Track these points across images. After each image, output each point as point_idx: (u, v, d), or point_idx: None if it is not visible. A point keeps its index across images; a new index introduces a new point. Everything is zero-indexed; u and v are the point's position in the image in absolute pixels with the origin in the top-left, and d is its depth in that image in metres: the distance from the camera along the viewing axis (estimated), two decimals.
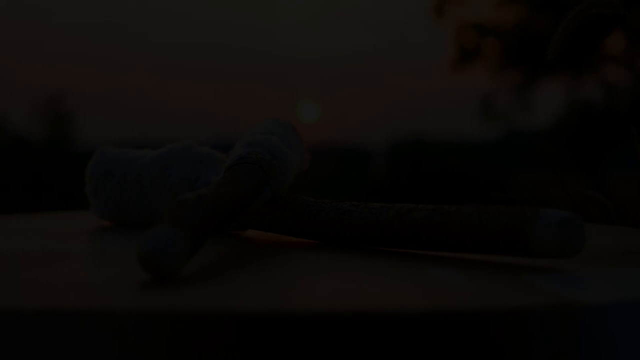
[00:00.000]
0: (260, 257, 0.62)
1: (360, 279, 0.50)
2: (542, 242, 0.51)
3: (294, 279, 0.51)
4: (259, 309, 0.39)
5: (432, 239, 0.57)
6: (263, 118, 0.76)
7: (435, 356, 0.39)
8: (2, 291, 0.45)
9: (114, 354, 0.39)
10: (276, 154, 0.67)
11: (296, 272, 0.54)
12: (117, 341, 0.39)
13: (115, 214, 0.82)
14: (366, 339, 0.39)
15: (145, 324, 0.39)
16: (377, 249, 0.61)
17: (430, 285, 0.47)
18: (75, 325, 0.39)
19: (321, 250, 0.62)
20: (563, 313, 0.41)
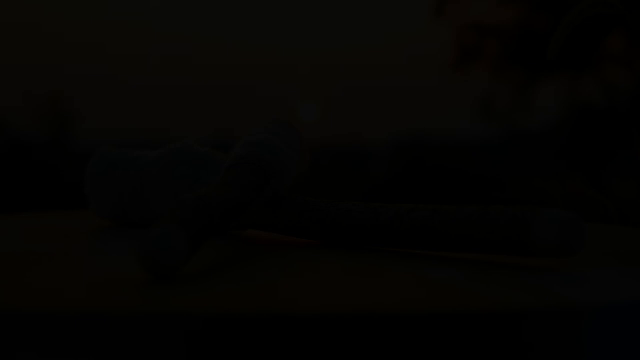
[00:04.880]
0: (260, 257, 0.62)
1: (360, 279, 0.50)
2: (542, 242, 0.51)
3: (294, 279, 0.51)
4: (259, 309, 0.39)
5: (432, 239, 0.57)
6: (263, 118, 0.76)
7: (435, 356, 0.39)
8: (2, 291, 0.45)
9: (114, 354, 0.39)
10: (276, 154, 0.67)
11: (296, 272, 0.54)
12: (117, 341, 0.39)
13: (115, 214, 0.82)
14: (366, 339, 0.39)
15: (145, 324, 0.39)
16: (377, 249, 0.61)
17: (430, 285, 0.47)
18: (75, 325, 0.39)
19: (321, 250, 0.62)
20: (563, 313, 0.41)
